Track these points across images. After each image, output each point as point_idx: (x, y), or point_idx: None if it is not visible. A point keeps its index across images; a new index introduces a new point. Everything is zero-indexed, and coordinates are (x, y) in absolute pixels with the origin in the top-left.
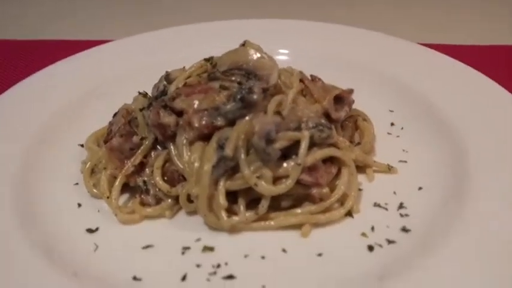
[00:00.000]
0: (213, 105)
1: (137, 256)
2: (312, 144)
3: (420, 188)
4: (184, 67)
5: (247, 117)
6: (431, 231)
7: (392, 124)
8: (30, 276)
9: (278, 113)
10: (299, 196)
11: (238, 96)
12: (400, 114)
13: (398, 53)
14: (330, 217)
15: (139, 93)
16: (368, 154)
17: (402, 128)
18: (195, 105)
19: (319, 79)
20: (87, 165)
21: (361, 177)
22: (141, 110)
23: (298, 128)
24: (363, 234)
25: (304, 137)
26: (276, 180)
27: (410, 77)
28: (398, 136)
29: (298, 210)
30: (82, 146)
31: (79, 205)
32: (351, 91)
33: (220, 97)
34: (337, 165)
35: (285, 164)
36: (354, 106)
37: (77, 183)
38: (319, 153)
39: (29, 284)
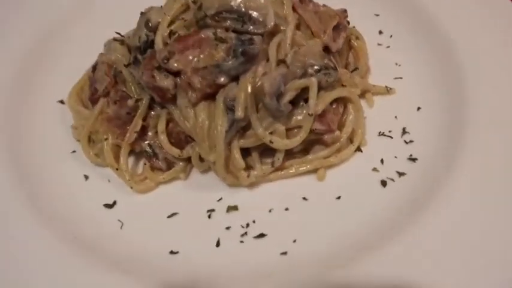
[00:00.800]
0: (212, 63)
1: (166, 227)
2: (319, 88)
3: (419, 109)
4: (162, 7)
5: (249, 72)
6: (437, 161)
7: (380, 32)
8: (60, 267)
9: (282, 61)
10: (310, 139)
11: (240, 50)
12: (387, 19)
13: None
14: (342, 157)
15: (115, 39)
16: (365, 77)
17: (391, 36)
18: (193, 64)
19: (309, 1)
20: (83, 134)
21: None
22: (126, 65)
23: (304, 74)
24: (374, 169)
25: (313, 84)
26: (287, 130)
27: None
28: (388, 47)
29: (311, 156)
30: (62, 102)
31: (86, 177)
32: (345, 14)
33: (218, 52)
34: (342, 102)
35: (296, 117)
36: None
37: (74, 151)
38: (328, 98)
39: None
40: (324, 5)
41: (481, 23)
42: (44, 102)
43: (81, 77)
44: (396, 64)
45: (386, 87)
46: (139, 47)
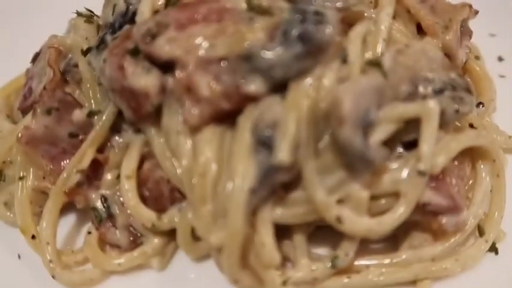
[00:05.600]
0: (239, 50)
1: None
2: (440, 124)
3: None
4: None
5: (309, 76)
6: None
7: (500, 59)
8: None
9: (374, 64)
10: (408, 222)
11: (295, 33)
12: (507, 41)
13: None
14: (467, 262)
15: (79, 13)
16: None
17: None
18: (201, 50)
19: None
20: None
21: None
22: (85, 52)
23: (412, 94)
24: None
25: (431, 113)
26: (371, 200)
27: None
28: None
29: (409, 255)
30: None
31: None
32: (472, 9)
33: (253, 31)
34: (468, 158)
35: (391, 175)
36: None
37: None
38: (454, 146)
39: None
40: None
41: None
42: None
43: (19, 74)
44: None
45: None
46: (113, 23)
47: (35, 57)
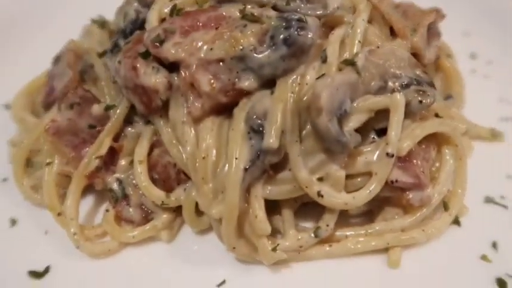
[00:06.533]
0: (234, 53)
1: None
2: (406, 114)
3: None
4: None
5: (294, 73)
6: None
7: (473, 56)
8: None
9: (349, 63)
10: (381, 197)
11: (281, 37)
12: (480, 39)
13: None
14: (432, 232)
15: (93, 20)
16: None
17: (489, 62)
18: (202, 52)
19: None
20: (18, 154)
21: None
22: (100, 55)
23: (383, 89)
24: (484, 258)
25: (398, 104)
26: (348, 178)
27: None
28: (486, 76)
29: (379, 225)
30: (8, 108)
31: (12, 222)
32: (440, 13)
33: (246, 37)
34: (434, 142)
35: (364, 157)
36: None
37: (5, 179)
38: (420, 131)
39: None
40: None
41: None
42: None
43: (40, 74)
44: (501, 100)
45: (492, 129)
46: (124, 29)
47: (56, 60)
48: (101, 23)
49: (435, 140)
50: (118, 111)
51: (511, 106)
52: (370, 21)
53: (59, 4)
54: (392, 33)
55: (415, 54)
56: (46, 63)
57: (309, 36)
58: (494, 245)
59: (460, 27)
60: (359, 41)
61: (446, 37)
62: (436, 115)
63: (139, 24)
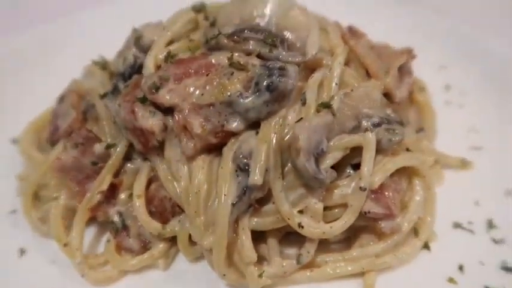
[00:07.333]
0: (223, 99)
1: None
2: (377, 151)
3: (509, 192)
4: (161, 22)
5: (276, 116)
6: None
7: (447, 87)
8: None
9: (325, 106)
10: (356, 226)
11: (265, 83)
12: (455, 72)
13: None
14: (403, 257)
15: (95, 62)
16: (431, 142)
17: (462, 93)
18: (193, 98)
19: (362, 34)
20: (27, 187)
21: None
22: (102, 96)
23: (356, 128)
24: (451, 281)
25: (369, 142)
26: (325, 210)
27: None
28: (461, 106)
29: (356, 251)
30: (14, 142)
31: (21, 252)
32: (411, 53)
33: (233, 83)
34: (405, 175)
35: (340, 190)
36: None
37: (13, 211)
38: (391, 166)
39: None
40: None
41: None
42: None
43: (45, 110)
44: (472, 129)
45: (462, 159)
46: (123, 73)
47: (60, 99)
48: (102, 65)
49: (406, 172)
50: (118, 149)
51: (480, 135)
52: (347, 63)
53: (62, 44)
54: (368, 73)
55: (388, 93)
56: (49, 98)
57: (290, 82)
58: (461, 268)
59: (436, 60)
60: (336, 84)
61: (423, 70)
62: (407, 149)
63: (137, 69)
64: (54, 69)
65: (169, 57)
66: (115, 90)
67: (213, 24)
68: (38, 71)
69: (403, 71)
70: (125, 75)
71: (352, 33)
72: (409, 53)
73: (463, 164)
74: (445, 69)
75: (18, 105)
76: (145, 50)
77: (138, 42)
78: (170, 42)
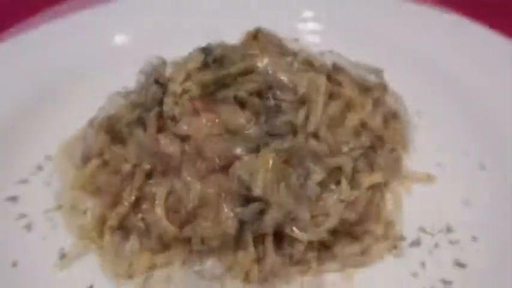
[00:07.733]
0: (230, 129)
1: None
2: (354, 171)
3: (466, 203)
4: (175, 62)
5: (273, 144)
6: (490, 269)
7: (418, 113)
8: None
9: (313, 135)
10: (336, 230)
11: (263, 118)
12: (424, 96)
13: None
14: (374, 256)
15: (119, 92)
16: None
17: (433, 118)
18: (206, 129)
19: (343, 70)
20: (67, 198)
21: None
22: (127, 124)
23: (337, 153)
24: (414, 275)
25: (346, 164)
26: (312, 217)
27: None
28: (429, 130)
29: (338, 252)
30: (47, 158)
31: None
32: (385, 88)
33: (238, 118)
34: (378, 189)
35: (324, 202)
36: None
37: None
38: (365, 183)
39: None
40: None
41: None
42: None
43: (75, 132)
44: (438, 149)
45: (428, 175)
46: (145, 104)
47: (91, 123)
48: (125, 95)
49: (379, 186)
50: (142, 168)
51: (444, 154)
52: (332, 97)
53: (89, 73)
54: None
55: (364, 123)
56: (80, 119)
57: (283, 117)
58: (423, 264)
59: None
60: (320, 116)
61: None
62: (381, 167)
63: (158, 101)
64: (81, 98)
65: (184, 93)
66: (139, 119)
67: (220, 65)
68: (69, 95)
69: (377, 103)
70: (148, 106)
71: (336, 69)
72: (382, 88)
73: (429, 178)
74: (417, 96)
75: (51, 124)
76: (163, 86)
77: (159, 81)
78: (184, 80)
